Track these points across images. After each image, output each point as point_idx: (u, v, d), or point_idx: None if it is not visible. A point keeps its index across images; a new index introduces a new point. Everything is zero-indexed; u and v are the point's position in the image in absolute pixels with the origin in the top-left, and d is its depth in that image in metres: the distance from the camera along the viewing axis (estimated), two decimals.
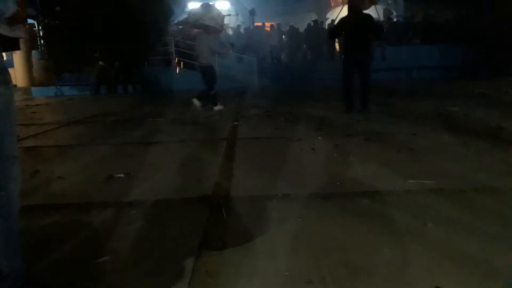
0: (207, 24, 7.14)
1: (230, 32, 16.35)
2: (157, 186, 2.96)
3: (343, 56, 7.04)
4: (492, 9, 13.13)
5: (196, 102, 7.54)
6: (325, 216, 2.30)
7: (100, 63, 12.70)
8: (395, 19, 17.06)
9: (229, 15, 19.67)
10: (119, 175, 3.23)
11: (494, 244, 1.87)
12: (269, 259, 1.81)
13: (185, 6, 15.64)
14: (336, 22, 7.28)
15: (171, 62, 14.03)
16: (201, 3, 7.53)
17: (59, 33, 12.80)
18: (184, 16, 8.90)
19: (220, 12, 7.50)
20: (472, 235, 1.97)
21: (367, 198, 2.55)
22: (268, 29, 17.31)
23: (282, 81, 13.60)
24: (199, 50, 7.51)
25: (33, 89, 13.59)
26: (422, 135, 4.43)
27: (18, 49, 1.65)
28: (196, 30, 8.49)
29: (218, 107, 7.53)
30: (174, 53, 13.80)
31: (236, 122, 5.88)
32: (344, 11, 6.90)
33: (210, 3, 7.41)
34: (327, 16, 21.70)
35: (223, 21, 7.61)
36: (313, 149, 3.97)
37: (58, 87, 13.34)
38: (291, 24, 18.01)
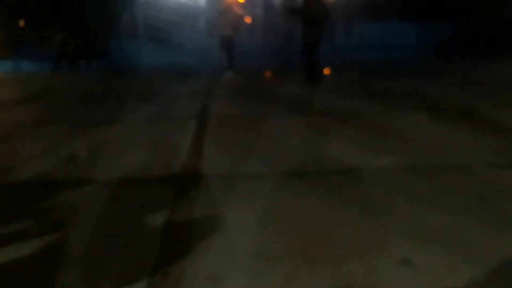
0: None
1: None
2: (122, 164, 2.93)
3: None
4: None
5: (229, 73, 8.47)
6: (296, 194, 2.34)
7: (60, 36, 12.23)
8: None
9: None
10: (82, 153, 3.16)
11: (465, 221, 1.95)
12: (239, 236, 1.83)
13: None
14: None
15: (138, 36, 13.67)
16: None
17: (18, 7, 12.23)
18: None
19: None
20: (443, 212, 2.05)
21: (339, 176, 2.60)
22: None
23: (257, 58, 13.48)
24: (226, 22, 8.44)
25: None
26: (396, 114, 4.52)
27: None
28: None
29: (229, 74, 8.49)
30: (143, 25, 13.44)
31: (208, 100, 5.83)
32: None
33: None
34: None
35: None
36: (286, 128, 4.00)
37: (16, 61, 12.81)
38: None
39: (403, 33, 14.42)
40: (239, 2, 8.77)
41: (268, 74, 9.88)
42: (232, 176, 2.67)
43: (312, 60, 7.21)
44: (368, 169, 2.70)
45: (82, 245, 1.79)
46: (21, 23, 12.42)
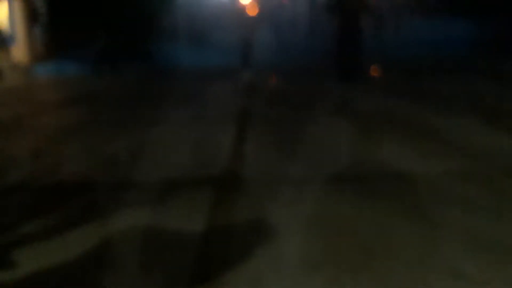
0: None
1: None
2: (163, 166, 3.01)
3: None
4: None
5: (247, 74, 8.63)
6: (341, 198, 2.32)
7: (101, 37, 12.71)
8: None
9: None
10: (124, 155, 3.27)
11: None
12: (279, 241, 1.84)
13: None
14: None
15: (178, 37, 13.96)
16: None
17: (61, 8, 12.85)
18: None
19: None
20: (495, 220, 1.97)
21: (386, 180, 2.55)
22: None
23: (301, 54, 13.37)
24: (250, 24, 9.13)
25: (35, 66, 13.73)
26: (446, 115, 4.36)
27: None
28: None
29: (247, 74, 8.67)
30: (181, 26, 13.73)
31: (248, 99, 5.87)
32: None
33: None
34: None
35: None
36: (330, 129, 3.95)
37: (61, 63, 13.44)
38: None
39: (455, 28, 13.87)
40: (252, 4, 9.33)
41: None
42: (274, 179, 2.67)
43: (351, 56, 7.36)
44: (416, 174, 2.62)
45: (121, 247, 1.86)
46: (64, 26, 13.02)
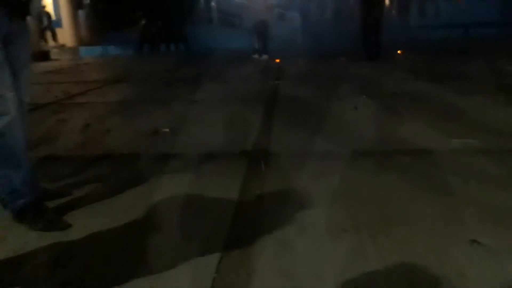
0: None
1: None
2: (199, 141, 3.10)
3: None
4: None
5: (265, 57, 9.15)
6: (364, 172, 2.35)
7: (143, 21, 12.88)
8: None
9: None
10: (164, 130, 3.39)
11: None
12: (306, 210, 1.90)
13: None
14: None
15: (212, 20, 13.97)
16: None
17: None
18: None
19: None
20: None
21: (408, 156, 2.55)
22: None
23: (327, 38, 13.18)
24: (259, 7, 9.04)
25: (81, 48, 14.08)
26: (470, 96, 4.26)
27: (28, 14, 1.75)
28: None
29: (265, 56, 9.19)
30: (215, 10, 13.70)
31: (277, 81, 5.89)
32: None
33: None
34: None
35: None
36: (356, 108, 3.94)
37: (104, 46, 13.73)
38: None
39: (482, 10, 13.27)
40: None
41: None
42: (301, 154, 2.72)
43: (373, 38, 7.65)
44: (439, 151, 2.61)
45: (164, 212, 1.96)
46: (106, 11, 13.26)
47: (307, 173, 2.35)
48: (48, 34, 15.74)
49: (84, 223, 1.84)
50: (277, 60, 8.55)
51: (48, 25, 15.51)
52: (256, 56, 9.24)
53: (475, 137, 2.84)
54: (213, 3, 13.78)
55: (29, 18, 1.83)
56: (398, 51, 9.15)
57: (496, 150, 2.59)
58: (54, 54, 12.50)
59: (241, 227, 1.77)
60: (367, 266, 1.46)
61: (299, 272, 1.45)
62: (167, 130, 3.40)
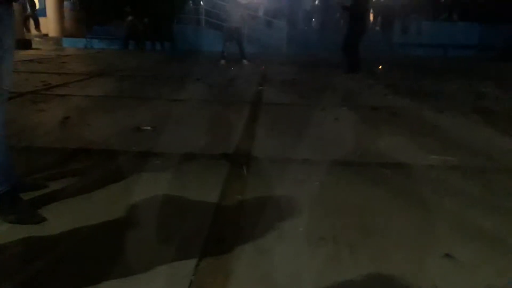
0: None
1: None
2: (181, 140, 3.07)
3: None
4: None
5: (245, 62, 9.13)
6: (343, 181, 2.36)
7: (130, 18, 12.70)
8: None
9: None
10: (146, 128, 3.34)
11: (510, 222, 1.90)
12: (285, 216, 1.89)
13: None
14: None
15: (200, 22, 13.90)
16: None
17: None
18: None
19: None
20: (488, 212, 2.00)
21: (387, 169, 2.58)
22: None
23: (312, 48, 13.31)
24: (235, 14, 9.07)
25: (64, 39, 13.77)
26: (448, 114, 4.36)
27: (15, 1, 1.70)
28: None
29: (246, 62, 9.19)
30: (203, 12, 13.64)
31: (261, 87, 5.89)
32: None
33: None
34: None
35: None
36: (336, 119, 3.98)
37: (88, 39, 13.47)
38: None
39: (463, 33, 13.67)
40: None
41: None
42: (281, 159, 2.72)
43: (355, 52, 7.81)
44: (417, 166, 2.65)
45: (142, 210, 1.92)
46: (93, 4, 13.04)
47: (287, 180, 2.35)
48: (31, 23, 15.33)
49: (59, 218, 1.79)
50: (262, 68, 8.57)
51: (32, 13, 15.11)
52: (222, 62, 9.11)
53: (451, 154, 2.90)
54: (201, 5, 13.71)
55: (14, 4, 1.77)
56: (379, 66, 9.32)
57: (471, 168, 2.65)
58: (36, 43, 12.19)
59: (220, 230, 1.75)
60: (343, 275, 1.47)
61: (276, 278, 1.44)
62: (149, 128, 3.34)
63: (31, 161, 2.52)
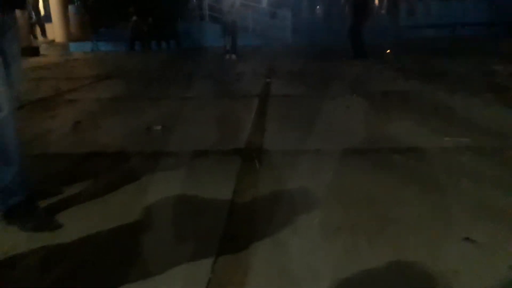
0: None
1: None
2: (192, 138, 3.07)
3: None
4: None
5: (234, 57, 8.96)
6: (356, 170, 2.34)
7: (134, 18, 12.72)
8: None
9: None
10: (156, 127, 3.34)
11: None
12: (300, 208, 1.88)
13: None
14: None
15: (204, 18, 13.86)
16: None
17: None
18: None
19: None
20: (506, 192, 1.96)
21: (400, 154, 2.55)
22: None
23: (318, 36, 13.15)
24: (230, 6, 8.97)
25: (71, 44, 13.87)
26: (462, 94, 4.28)
27: (23, 7, 1.70)
28: None
29: (233, 56, 9.03)
30: (207, 7, 13.58)
31: (268, 80, 5.86)
32: None
33: None
34: None
35: None
36: (348, 107, 3.94)
37: (95, 42, 13.54)
38: None
39: (472, 10, 13.38)
40: None
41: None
42: (293, 151, 2.70)
43: (360, 37, 7.78)
44: (431, 149, 2.61)
45: (157, 211, 1.93)
46: (97, 7, 13.09)
47: (300, 172, 2.34)
48: (37, 29, 15.47)
49: (75, 223, 1.80)
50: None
51: (38, 20, 15.23)
52: (227, 57, 9.06)
53: (465, 135, 2.85)
54: (204, 1, 13.65)
55: (17, 11, 1.77)
56: (388, 51, 9.18)
57: (486, 149, 2.60)
58: (43, 49, 12.30)
59: (235, 226, 1.75)
60: (362, 264, 1.45)
61: (294, 271, 1.44)
62: (159, 127, 3.35)
63: (44, 167, 2.54)
